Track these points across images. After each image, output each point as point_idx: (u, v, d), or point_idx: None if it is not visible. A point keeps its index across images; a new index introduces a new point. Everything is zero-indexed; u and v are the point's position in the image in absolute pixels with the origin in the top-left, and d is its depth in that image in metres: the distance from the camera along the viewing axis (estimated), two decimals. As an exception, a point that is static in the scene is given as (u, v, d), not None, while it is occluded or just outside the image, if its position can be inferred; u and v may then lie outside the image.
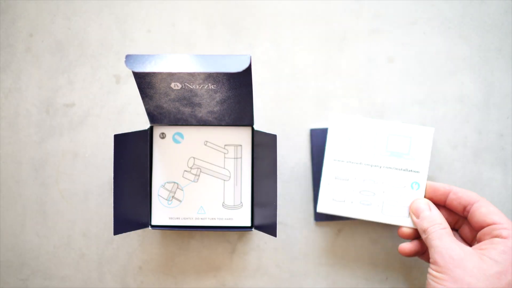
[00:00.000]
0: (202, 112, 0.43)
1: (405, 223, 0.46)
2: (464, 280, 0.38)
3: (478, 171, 0.50)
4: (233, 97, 0.41)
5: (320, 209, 0.47)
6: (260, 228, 0.44)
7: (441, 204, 0.45)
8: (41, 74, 0.51)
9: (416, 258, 0.49)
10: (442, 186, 0.45)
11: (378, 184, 0.47)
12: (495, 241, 0.40)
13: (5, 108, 0.51)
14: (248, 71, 0.37)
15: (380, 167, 0.47)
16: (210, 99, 0.41)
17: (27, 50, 0.52)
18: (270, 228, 0.42)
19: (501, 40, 0.51)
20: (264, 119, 0.51)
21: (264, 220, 0.44)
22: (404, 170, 0.47)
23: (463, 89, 0.51)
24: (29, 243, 0.51)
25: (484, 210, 0.42)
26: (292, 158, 0.50)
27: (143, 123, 0.50)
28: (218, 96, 0.41)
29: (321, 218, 0.50)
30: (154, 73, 0.38)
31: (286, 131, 0.51)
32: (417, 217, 0.44)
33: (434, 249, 0.41)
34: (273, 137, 0.41)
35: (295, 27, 0.51)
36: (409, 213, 0.45)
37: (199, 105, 0.42)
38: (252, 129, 0.46)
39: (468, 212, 0.43)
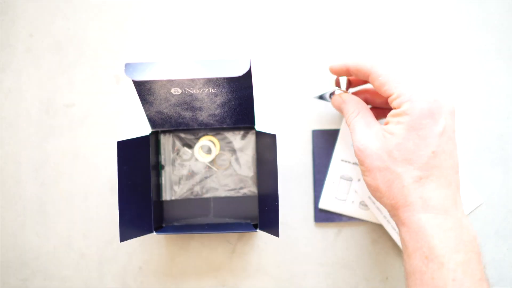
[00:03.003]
0: (203, 116, 0.43)
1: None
2: (373, 165, 0.39)
3: (478, 171, 0.50)
4: (234, 99, 0.41)
5: (322, 205, 0.49)
6: (263, 228, 0.44)
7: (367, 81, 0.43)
8: (41, 74, 0.51)
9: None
10: (363, 65, 0.42)
11: None
12: (392, 113, 0.40)
13: (5, 108, 0.51)
14: (248, 75, 0.37)
15: None
16: (211, 102, 0.41)
17: (27, 50, 0.51)
18: (272, 228, 0.42)
19: (501, 40, 0.51)
20: (265, 120, 0.51)
21: (267, 220, 0.44)
22: None
23: (463, 89, 0.51)
24: (29, 243, 0.51)
25: (380, 81, 0.40)
26: (293, 158, 0.50)
27: (144, 123, 0.50)
28: (218, 100, 0.41)
29: (321, 218, 0.50)
30: (153, 80, 0.38)
31: (287, 132, 0.51)
32: (341, 113, 0.45)
33: (352, 144, 0.42)
34: (273, 137, 0.41)
35: (296, 27, 0.51)
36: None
37: (200, 109, 0.42)
38: (254, 130, 0.46)
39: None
